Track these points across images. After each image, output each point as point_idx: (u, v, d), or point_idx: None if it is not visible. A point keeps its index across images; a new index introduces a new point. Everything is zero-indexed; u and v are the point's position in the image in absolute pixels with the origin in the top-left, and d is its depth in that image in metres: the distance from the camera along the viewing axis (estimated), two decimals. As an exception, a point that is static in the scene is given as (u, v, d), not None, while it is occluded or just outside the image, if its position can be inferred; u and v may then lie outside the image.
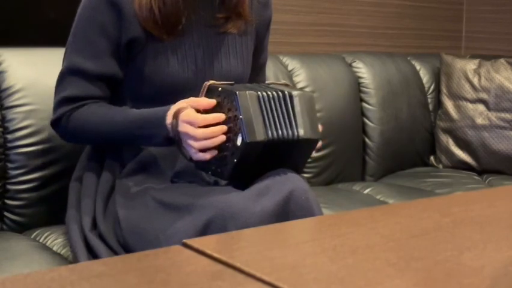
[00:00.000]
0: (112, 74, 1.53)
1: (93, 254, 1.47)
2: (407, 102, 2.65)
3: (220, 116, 1.38)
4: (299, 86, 2.33)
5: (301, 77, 2.37)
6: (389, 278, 0.84)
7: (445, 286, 0.82)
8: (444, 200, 1.38)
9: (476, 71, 2.69)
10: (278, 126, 1.39)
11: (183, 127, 1.37)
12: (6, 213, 1.75)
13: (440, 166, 2.72)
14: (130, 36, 1.51)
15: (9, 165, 1.74)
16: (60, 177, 1.76)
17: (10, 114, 1.73)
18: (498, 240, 1.01)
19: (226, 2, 1.57)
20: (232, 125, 1.37)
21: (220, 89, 1.40)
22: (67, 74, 1.52)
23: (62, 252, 1.60)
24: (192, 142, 1.37)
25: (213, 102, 1.39)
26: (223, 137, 1.37)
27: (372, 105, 2.54)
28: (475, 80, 2.67)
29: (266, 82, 1.55)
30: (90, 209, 1.52)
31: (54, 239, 1.66)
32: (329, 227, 1.10)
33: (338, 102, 2.42)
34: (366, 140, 2.54)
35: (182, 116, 1.38)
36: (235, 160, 1.36)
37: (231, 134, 1.37)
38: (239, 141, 1.35)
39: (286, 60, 2.39)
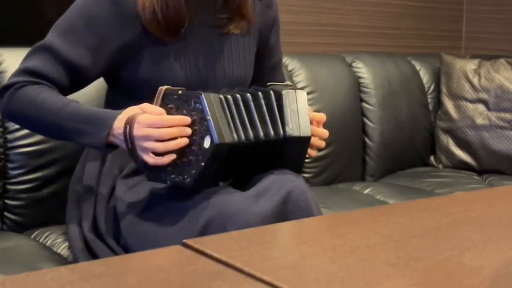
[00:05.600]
0: (82, 66, 1.48)
1: (93, 254, 1.47)
2: (407, 102, 2.65)
3: (185, 119, 1.32)
4: (299, 86, 2.33)
5: (301, 77, 2.37)
6: (389, 278, 0.84)
7: (445, 286, 0.82)
8: (444, 200, 1.38)
9: (476, 71, 2.69)
10: (249, 128, 1.37)
11: (142, 131, 1.31)
12: (6, 213, 1.75)
13: (440, 166, 2.72)
14: (126, 39, 1.50)
15: (9, 165, 1.74)
16: (60, 177, 1.76)
17: (10, 114, 1.73)
18: (498, 240, 1.01)
19: (228, 2, 1.56)
20: (197, 128, 1.32)
21: (180, 92, 1.35)
22: (40, 49, 1.48)
23: (62, 252, 1.60)
24: (152, 144, 1.31)
25: (162, 111, 1.34)
26: (186, 140, 1.32)
27: (372, 105, 2.54)
28: (475, 80, 2.67)
29: (268, 83, 1.54)
30: (90, 209, 1.52)
31: (54, 239, 1.66)
32: (329, 227, 1.10)
33: (338, 102, 2.42)
34: (366, 140, 2.54)
35: (141, 119, 1.31)
36: (203, 164, 1.31)
37: (196, 137, 1.32)
38: (207, 143, 1.30)
39: (286, 60, 2.39)
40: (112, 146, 1.39)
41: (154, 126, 1.31)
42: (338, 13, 2.83)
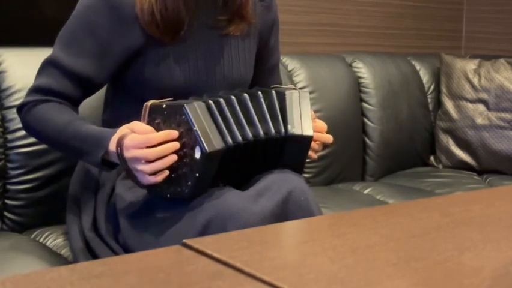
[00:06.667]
0: (89, 75, 1.49)
1: (93, 254, 1.47)
2: (407, 102, 2.65)
3: (172, 133, 1.31)
4: (299, 86, 2.33)
5: (301, 77, 2.37)
6: (389, 278, 0.84)
7: (445, 286, 0.82)
8: (444, 200, 1.38)
9: (476, 71, 2.69)
10: (246, 128, 1.37)
11: (130, 153, 1.30)
12: (6, 213, 1.75)
13: (440, 166, 2.72)
14: (128, 41, 1.50)
15: (9, 165, 1.74)
16: (60, 177, 1.76)
17: (10, 114, 1.74)
18: (498, 240, 1.01)
19: (228, 3, 1.56)
20: (186, 140, 1.30)
21: (164, 106, 1.33)
22: (48, 65, 1.51)
23: (62, 252, 1.60)
24: (142, 166, 1.30)
25: (151, 129, 1.32)
26: (174, 157, 1.31)
27: (372, 105, 2.54)
28: (475, 80, 2.67)
29: (271, 86, 1.53)
30: (90, 209, 1.52)
31: (54, 239, 1.66)
32: (329, 227, 1.10)
33: (338, 102, 2.42)
34: (366, 140, 2.54)
35: (127, 141, 1.31)
36: (197, 174, 1.30)
37: (186, 149, 1.31)
38: (197, 154, 1.29)
39: (286, 60, 2.39)
40: (110, 164, 1.40)
41: (141, 147, 1.30)
42: (338, 13, 2.83)
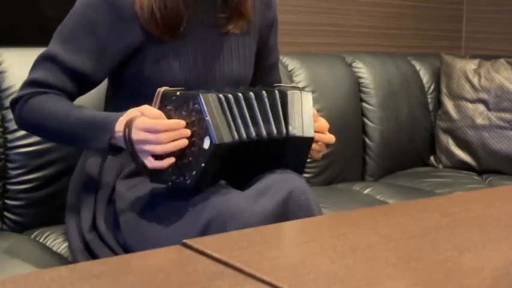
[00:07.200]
0: (86, 72, 1.49)
1: (92, 255, 1.47)
2: (407, 102, 2.65)
3: (180, 122, 1.32)
4: (299, 86, 2.33)
5: (301, 77, 2.37)
6: (389, 278, 0.84)
7: (445, 286, 0.82)
8: (444, 200, 1.38)
9: (476, 71, 2.69)
10: (251, 126, 1.37)
11: (140, 135, 1.31)
12: (6, 213, 1.75)
13: (440, 166, 2.72)
14: (128, 39, 1.50)
15: (9, 165, 1.74)
16: (60, 177, 1.76)
17: (10, 114, 1.73)
18: (498, 240, 1.01)
19: (228, 1, 1.56)
20: (196, 129, 1.31)
21: (178, 93, 1.34)
22: (44, 59, 1.49)
23: (62, 252, 1.60)
24: (152, 147, 1.31)
25: (161, 113, 1.33)
26: (185, 141, 1.31)
27: (372, 105, 2.54)
28: (475, 80, 2.67)
29: (274, 84, 1.53)
30: (90, 209, 1.52)
31: (54, 239, 1.66)
32: (329, 227, 1.10)
33: (338, 102, 2.42)
34: (366, 140, 2.54)
35: (137, 123, 1.31)
36: (203, 164, 1.30)
37: (195, 138, 1.31)
38: (206, 144, 1.30)
39: (286, 60, 2.39)
40: (117, 149, 1.39)
41: (150, 131, 1.31)
42: (338, 13, 2.83)
